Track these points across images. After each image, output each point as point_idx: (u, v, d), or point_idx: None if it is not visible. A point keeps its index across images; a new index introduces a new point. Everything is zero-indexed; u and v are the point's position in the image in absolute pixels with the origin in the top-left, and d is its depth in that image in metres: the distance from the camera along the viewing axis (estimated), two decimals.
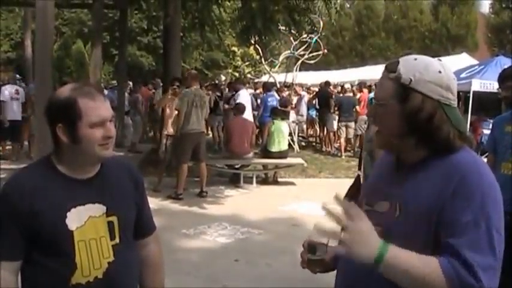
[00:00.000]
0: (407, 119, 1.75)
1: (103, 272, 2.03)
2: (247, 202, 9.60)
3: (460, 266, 1.57)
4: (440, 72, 1.77)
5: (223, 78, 32.26)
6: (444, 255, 1.61)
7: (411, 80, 1.74)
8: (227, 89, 17.85)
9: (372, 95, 14.14)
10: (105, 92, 16.04)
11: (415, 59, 1.80)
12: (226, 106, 14.99)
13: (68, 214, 2.00)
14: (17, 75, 17.44)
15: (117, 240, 2.10)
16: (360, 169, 4.41)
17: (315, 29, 16.28)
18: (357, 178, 4.40)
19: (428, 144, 1.77)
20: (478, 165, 1.73)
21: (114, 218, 2.10)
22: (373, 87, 16.04)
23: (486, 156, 4.50)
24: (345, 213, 1.65)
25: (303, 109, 17.75)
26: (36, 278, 2.02)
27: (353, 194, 4.11)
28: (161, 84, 14.57)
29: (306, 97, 18.27)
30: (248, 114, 12.35)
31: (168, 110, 10.18)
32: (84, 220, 2.03)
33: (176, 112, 9.60)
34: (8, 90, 12.70)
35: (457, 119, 1.78)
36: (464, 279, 1.56)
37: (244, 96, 13.42)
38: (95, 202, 2.07)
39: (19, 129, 12.98)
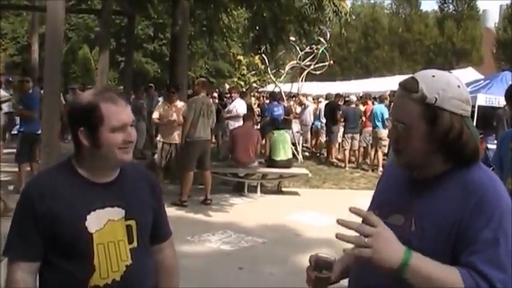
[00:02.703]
0: (438, 139, 1.74)
1: (121, 275, 2.06)
2: (252, 211, 9.61)
3: (480, 279, 1.59)
4: (459, 86, 1.77)
5: (227, 87, 32.33)
6: (466, 268, 1.62)
7: (436, 98, 1.72)
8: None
9: (378, 108, 14.19)
10: None
11: (433, 76, 1.78)
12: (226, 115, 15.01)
13: (88, 217, 2.04)
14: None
15: (135, 244, 2.13)
16: None
17: (324, 39, 16.34)
18: None
19: (454, 158, 1.78)
20: (496, 183, 1.74)
21: (132, 222, 2.13)
22: (378, 99, 16.09)
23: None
24: (365, 221, 1.65)
25: (307, 119, 17.76)
26: (54, 280, 2.04)
27: None
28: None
29: (311, 107, 18.27)
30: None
31: (164, 117, 10.23)
32: (104, 223, 2.06)
33: (182, 119, 9.67)
34: None
35: (475, 130, 1.81)
36: None
37: (240, 105, 13.37)
38: (114, 206, 2.10)
39: None
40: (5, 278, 2.05)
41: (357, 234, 1.64)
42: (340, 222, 1.66)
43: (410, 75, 1.84)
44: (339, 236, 1.65)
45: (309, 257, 2.03)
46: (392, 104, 1.91)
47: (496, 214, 1.65)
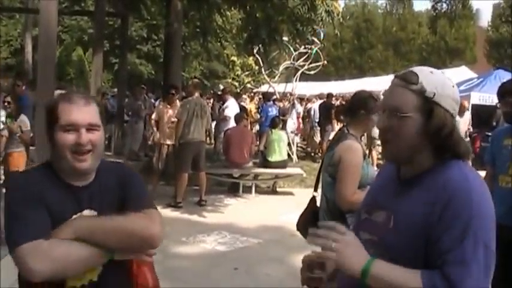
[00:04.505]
0: (431, 134, 1.77)
1: (98, 274, 2.04)
2: (247, 211, 9.62)
3: (440, 279, 1.61)
4: (453, 86, 1.82)
5: (221, 87, 32.33)
6: (429, 270, 1.65)
7: (435, 93, 1.76)
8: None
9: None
10: (110, 100, 16.15)
11: (432, 72, 1.82)
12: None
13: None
14: None
15: None
16: (315, 190, 4.15)
17: (318, 39, 16.38)
18: (312, 200, 4.10)
19: (440, 156, 1.80)
20: (469, 182, 1.74)
21: None
22: None
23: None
24: (334, 230, 1.73)
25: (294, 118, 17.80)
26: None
27: (308, 219, 3.92)
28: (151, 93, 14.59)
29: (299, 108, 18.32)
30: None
31: (165, 118, 10.22)
32: None
33: (176, 120, 9.66)
34: None
35: (458, 129, 1.85)
36: None
37: (233, 107, 13.35)
38: (88, 208, 2.09)
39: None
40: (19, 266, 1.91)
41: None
42: (311, 232, 1.75)
43: (408, 69, 1.86)
44: (309, 240, 1.76)
45: (302, 257, 2.06)
46: (385, 93, 1.92)
47: (464, 212, 1.66)
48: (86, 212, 2.08)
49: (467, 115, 12.45)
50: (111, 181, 2.19)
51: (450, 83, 1.82)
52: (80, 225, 1.96)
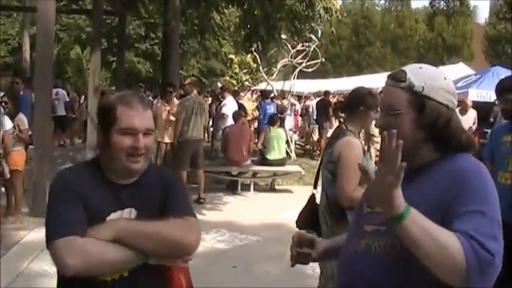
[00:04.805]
0: (426, 127, 1.80)
1: (128, 270, 2.07)
2: (245, 209, 9.62)
3: (475, 243, 1.55)
4: (445, 78, 1.85)
5: (219, 85, 32.29)
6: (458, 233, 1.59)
7: (423, 87, 1.79)
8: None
9: None
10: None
11: (421, 68, 1.86)
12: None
13: (108, 218, 2.07)
14: None
15: None
16: (315, 188, 4.16)
17: (315, 37, 16.36)
18: (311, 197, 4.10)
19: (443, 148, 1.83)
20: (481, 171, 1.76)
21: None
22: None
23: None
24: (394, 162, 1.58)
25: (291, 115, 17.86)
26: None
27: (308, 216, 3.94)
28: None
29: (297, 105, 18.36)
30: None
31: (163, 116, 10.22)
32: None
33: (174, 119, 9.66)
34: None
35: (460, 121, 1.88)
36: (479, 250, 1.54)
37: (231, 104, 13.34)
38: (129, 207, 2.14)
39: None
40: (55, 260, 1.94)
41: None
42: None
43: (397, 69, 1.91)
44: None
45: (293, 234, 2.17)
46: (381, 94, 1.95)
47: (479, 195, 1.66)
48: (127, 211, 2.13)
49: (471, 113, 12.35)
50: (154, 182, 2.24)
51: (442, 76, 1.85)
52: (120, 227, 2.01)
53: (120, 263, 2.00)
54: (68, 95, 18.22)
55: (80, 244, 1.92)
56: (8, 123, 7.52)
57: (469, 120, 11.78)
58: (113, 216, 2.08)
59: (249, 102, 17.84)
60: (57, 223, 1.99)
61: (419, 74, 1.83)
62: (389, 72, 1.95)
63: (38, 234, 7.32)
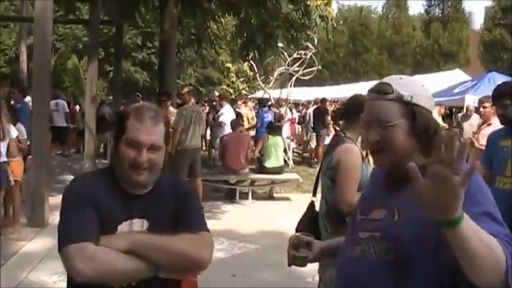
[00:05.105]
0: (419, 135, 1.82)
1: (136, 281, 2.07)
2: (244, 217, 9.62)
3: (501, 241, 1.52)
4: (423, 85, 1.88)
5: (216, 94, 32.33)
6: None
7: (412, 96, 1.81)
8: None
9: None
10: (107, 107, 16.26)
11: (401, 78, 1.89)
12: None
13: (119, 227, 2.08)
14: None
15: None
16: (314, 195, 4.11)
17: (311, 44, 16.42)
18: (311, 205, 4.03)
19: (428, 152, 1.81)
20: (475, 173, 1.75)
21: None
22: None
23: None
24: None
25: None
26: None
27: (308, 224, 3.94)
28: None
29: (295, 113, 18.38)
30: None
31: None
32: None
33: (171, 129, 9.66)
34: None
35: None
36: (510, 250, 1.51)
37: (229, 113, 13.29)
38: (141, 217, 2.14)
39: None
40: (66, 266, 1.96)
41: None
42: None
43: (378, 82, 1.92)
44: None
45: (290, 237, 2.20)
46: (366, 108, 1.91)
47: (481, 193, 1.67)
48: (139, 221, 2.13)
49: (474, 119, 12.27)
50: (168, 194, 2.23)
51: (420, 83, 1.89)
52: (135, 239, 2.01)
53: (131, 273, 2.00)
54: (69, 105, 18.21)
55: (92, 251, 1.93)
56: (14, 132, 7.58)
57: (472, 125, 11.73)
58: (124, 225, 2.09)
59: (248, 111, 17.85)
60: (69, 229, 1.99)
61: (402, 84, 1.85)
62: (374, 84, 1.94)
63: (37, 244, 7.32)
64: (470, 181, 1.55)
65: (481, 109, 8.08)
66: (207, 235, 2.21)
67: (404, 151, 1.83)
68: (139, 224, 2.13)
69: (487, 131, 6.83)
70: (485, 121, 7.98)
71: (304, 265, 2.22)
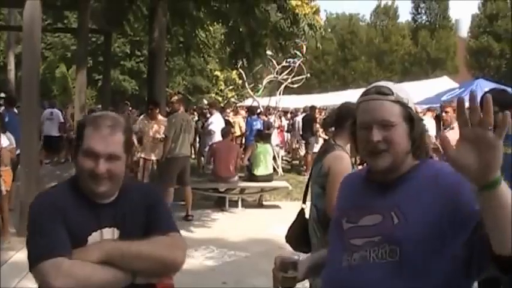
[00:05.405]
0: (415, 137, 1.87)
1: None
2: (234, 225, 9.61)
3: None
4: (407, 93, 1.92)
5: (205, 102, 32.31)
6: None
7: (408, 100, 1.87)
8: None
9: None
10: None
11: (394, 83, 1.96)
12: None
13: (89, 238, 2.04)
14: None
15: None
16: (304, 202, 4.12)
17: (300, 52, 16.50)
18: (301, 212, 4.01)
19: (418, 155, 1.90)
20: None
21: None
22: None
23: None
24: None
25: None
26: None
27: (297, 231, 3.91)
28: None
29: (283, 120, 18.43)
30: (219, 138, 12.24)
31: (150, 133, 10.17)
32: None
33: (162, 137, 9.65)
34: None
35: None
36: None
37: (218, 121, 13.31)
38: (111, 226, 2.10)
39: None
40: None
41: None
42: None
43: (374, 85, 1.94)
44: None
45: (274, 258, 2.15)
46: (365, 109, 1.91)
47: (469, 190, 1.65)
48: (107, 230, 2.09)
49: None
50: (136, 200, 2.19)
51: (406, 90, 1.93)
52: (107, 248, 1.97)
53: (109, 284, 1.96)
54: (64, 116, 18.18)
55: (67, 266, 1.88)
56: (4, 141, 7.54)
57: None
58: (94, 235, 2.05)
59: (240, 119, 17.83)
60: (41, 244, 1.94)
61: (398, 88, 1.89)
62: (370, 87, 1.94)
63: (25, 254, 7.27)
64: (463, 180, 1.55)
65: (443, 114, 8.12)
66: (178, 235, 2.18)
67: (403, 153, 1.86)
68: (110, 233, 2.09)
69: (450, 135, 6.89)
70: (447, 125, 8.03)
71: (293, 286, 2.18)
